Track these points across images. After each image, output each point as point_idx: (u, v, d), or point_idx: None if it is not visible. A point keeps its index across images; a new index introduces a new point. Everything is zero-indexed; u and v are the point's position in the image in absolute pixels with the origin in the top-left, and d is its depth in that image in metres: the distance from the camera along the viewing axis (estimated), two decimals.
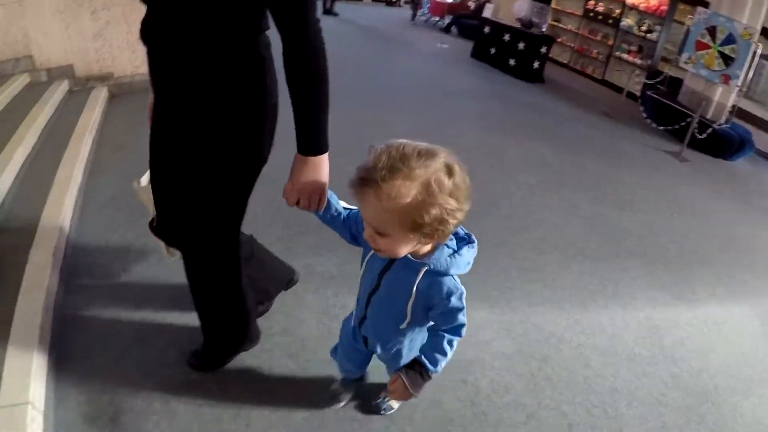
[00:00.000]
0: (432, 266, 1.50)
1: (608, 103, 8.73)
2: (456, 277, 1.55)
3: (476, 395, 2.36)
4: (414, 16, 15.64)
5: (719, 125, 7.06)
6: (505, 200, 4.41)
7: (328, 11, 14.04)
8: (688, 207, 5.06)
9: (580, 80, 10.63)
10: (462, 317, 1.59)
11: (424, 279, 1.53)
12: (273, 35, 1.63)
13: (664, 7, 9.23)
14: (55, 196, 3.44)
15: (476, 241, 1.59)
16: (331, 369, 2.28)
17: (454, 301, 1.54)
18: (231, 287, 2.12)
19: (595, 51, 10.76)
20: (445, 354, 1.67)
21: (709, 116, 7.25)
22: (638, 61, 9.66)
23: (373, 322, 1.76)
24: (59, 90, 5.37)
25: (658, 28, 9.39)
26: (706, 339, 3.09)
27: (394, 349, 1.80)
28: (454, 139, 5.82)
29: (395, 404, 2.16)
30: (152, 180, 1.95)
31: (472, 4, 14.05)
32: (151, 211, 2.18)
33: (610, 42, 10.34)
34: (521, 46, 9.44)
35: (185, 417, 2.09)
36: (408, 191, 1.31)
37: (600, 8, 10.58)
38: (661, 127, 7.55)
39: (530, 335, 2.81)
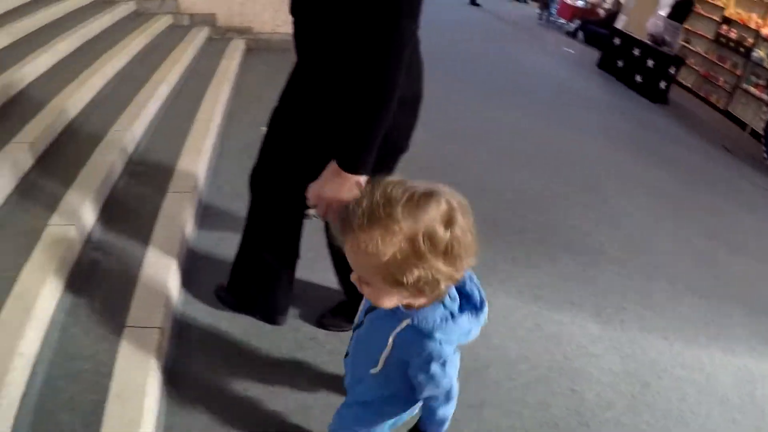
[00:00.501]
0: (415, 322, 1.25)
1: (729, 137, 8.39)
2: (443, 344, 1.26)
3: (581, 406, 2.44)
4: (542, 16, 15.43)
5: None
6: (624, 219, 4.41)
7: (472, 2, 14.87)
8: None
9: (703, 107, 10.20)
10: (446, 382, 1.33)
11: (403, 332, 1.29)
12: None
13: None
14: (195, 135, 3.67)
15: (486, 309, 1.32)
16: None
17: (434, 368, 1.28)
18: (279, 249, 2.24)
19: (722, 79, 10.23)
20: (444, 420, 1.47)
21: None
22: (765, 97, 9.13)
23: (352, 359, 1.60)
24: (200, 35, 5.67)
25: None
26: None
27: (360, 398, 1.63)
28: (573, 147, 5.85)
29: None
30: (268, 131, 2.02)
31: (601, 12, 13.71)
32: None
33: (739, 72, 9.80)
34: (650, 63, 9.15)
35: (309, 371, 2.28)
36: (386, 248, 1.08)
37: (732, 35, 10.06)
38: None
39: (636, 358, 2.85)
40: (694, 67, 10.76)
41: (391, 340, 1.30)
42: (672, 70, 9.12)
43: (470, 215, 1.14)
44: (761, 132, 8.27)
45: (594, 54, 11.15)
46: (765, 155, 7.55)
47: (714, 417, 2.65)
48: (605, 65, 10.38)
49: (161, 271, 2.45)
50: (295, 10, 1.71)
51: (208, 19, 6.09)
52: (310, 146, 1.78)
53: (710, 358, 3.07)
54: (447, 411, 1.42)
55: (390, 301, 1.21)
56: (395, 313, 1.27)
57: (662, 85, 9.11)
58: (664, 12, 9.86)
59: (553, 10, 15.19)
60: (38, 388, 1.94)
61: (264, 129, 2.08)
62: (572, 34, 13.64)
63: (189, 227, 2.86)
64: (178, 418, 2.03)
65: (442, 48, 7.98)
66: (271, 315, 2.44)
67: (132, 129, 3.45)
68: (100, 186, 2.83)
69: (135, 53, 4.78)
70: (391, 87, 1.46)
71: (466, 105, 6.16)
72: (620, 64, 9.88)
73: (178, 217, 2.81)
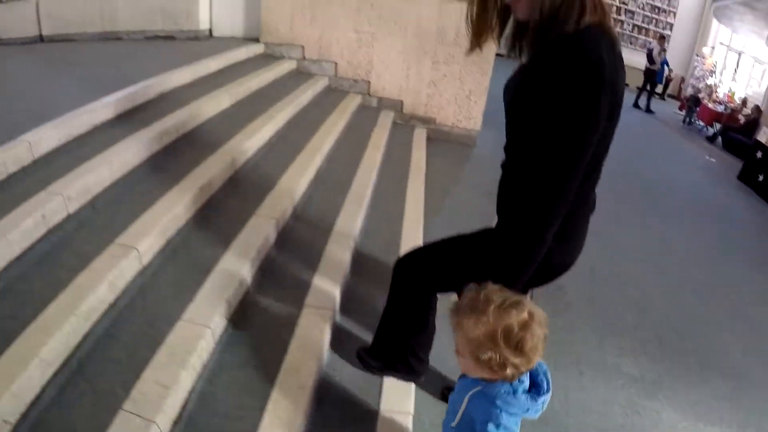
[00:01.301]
0: (484, 389, 1.67)
1: None
2: (503, 413, 1.65)
3: None
4: (686, 119, 15.33)
5: None
6: None
7: (647, 110, 15.21)
8: None
9: None
10: None
11: (475, 395, 1.71)
12: None
13: None
14: (408, 227, 4.09)
15: (547, 396, 1.71)
16: None
17: (490, 428, 1.64)
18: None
19: None
20: None
21: None
22: None
23: (446, 418, 1.92)
24: (388, 119, 6.23)
25: None
26: None
27: None
28: (721, 268, 6.03)
29: None
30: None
31: (741, 118, 13.59)
32: None
33: None
34: None
35: None
36: (474, 330, 1.55)
37: None
38: None
39: None
40: None
41: (466, 399, 1.73)
42: None
43: (545, 327, 1.57)
44: None
45: (734, 163, 11.17)
46: None
47: None
48: (746, 178, 10.25)
49: None
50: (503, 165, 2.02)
51: (395, 105, 6.72)
52: (464, 253, 2.12)
53: None
54: None
55: (474, 371, 1.66)
56: (475, 381, 1.70)
57: None
58: None
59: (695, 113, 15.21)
60: None
61: None
62: (711, 139, 13.58)
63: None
64: None
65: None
66: (412, 375, 2.67)
67: (357, 217, 3.83)
68: (343, 278, 3.15)
69: (339, 133, 5.33)
70: (531, 261, 1.76)
71: (612, 211, 6.48)
72: (761, 178, 9.75)
73: None
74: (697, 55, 18.46)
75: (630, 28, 19.35)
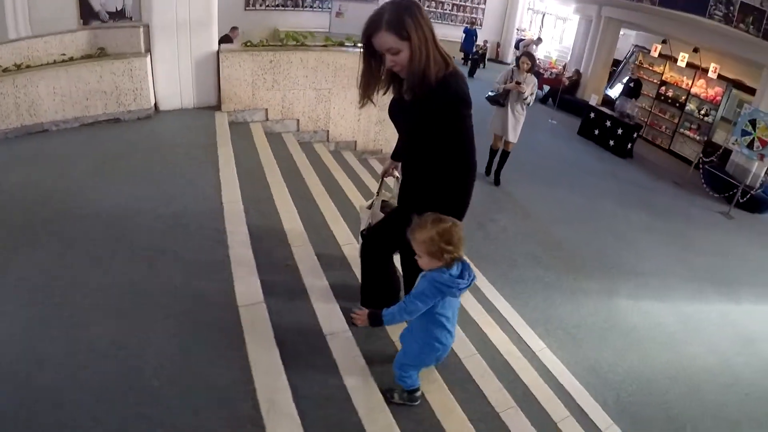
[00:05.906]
0: (428, 272, 2.41)
1: (678, 174, 11.28)
2: (430, 285, 2.38)
3: None
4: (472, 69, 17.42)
5: (756, 190, 9.87)
6: (642, 252, 7.18)
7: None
8: (732, 249, 8.00)
9: (654, 151, 13.08)
10: (414, 302, 2.42)
11: (423, 276, 2.43)
12: None
13: (719, 97, 11.95)
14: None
15: (466, 281, 2.40)
16: None
17: (418, 289, 2.42)
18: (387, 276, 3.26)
19: (663, 126, 13.35)
20: (392, 312, 2.49)
21: (748, 183, 10.00)
22: (697, 137, 12.23)
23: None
24: (349, 157, 7.78)
25: (713, 112, 12.05)
26: None
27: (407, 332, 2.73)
28: (594, 206, 8.34)
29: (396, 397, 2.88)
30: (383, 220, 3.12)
31: (566, 81, 15.63)
32: (364, 225, 3.33)
33: (676, 120, 12.90)
34: (619, 131, 12.00)
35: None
36: (422, 236, 2.31)
37: (669, 93, 13.29)
38: (716, 195, 10.19)
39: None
40: (642, 119, 13.49)
41: (419, 279, 2.49)
42: (635, 135, 11.91)
43: (461, 230, 2.36)
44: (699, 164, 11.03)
45: (572, 122, 13.45)
46: (704, 185, 10.52)
47: None
48: (584, 133, 12.78)
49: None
50: (401, 155, 3.02)
51: (350, 145, 7.96)
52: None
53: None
54: (398, 309, 2.49)
55: (428, 265, 2.41)
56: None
57: (629, 145, 11.88)
58: (617, 88, 12.91)
59: None
60: None
61: (361, 205, 3.42)
62: (543, 101, 15.81)
63: None
64: None
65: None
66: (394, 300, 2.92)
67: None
68: None
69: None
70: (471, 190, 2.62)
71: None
72: (596, 132, 12.37)
73: None
74: (518, 30, 20.60)
75: (450, 7, 21.28)
